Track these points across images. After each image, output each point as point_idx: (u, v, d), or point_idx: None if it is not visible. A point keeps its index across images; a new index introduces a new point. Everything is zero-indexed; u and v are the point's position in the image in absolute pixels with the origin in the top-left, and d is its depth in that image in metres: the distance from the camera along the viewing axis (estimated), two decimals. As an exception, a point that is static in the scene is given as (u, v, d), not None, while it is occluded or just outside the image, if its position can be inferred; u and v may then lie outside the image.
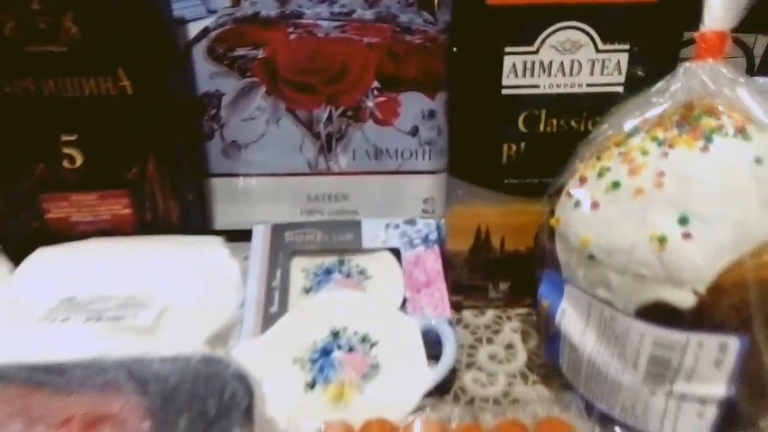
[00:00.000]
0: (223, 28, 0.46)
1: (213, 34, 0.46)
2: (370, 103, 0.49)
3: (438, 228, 0.43)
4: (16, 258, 0.41)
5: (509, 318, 0.41)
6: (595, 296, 0.28)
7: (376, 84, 0.48)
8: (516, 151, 0.37)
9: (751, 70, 1.06)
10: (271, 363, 0.32)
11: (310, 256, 0.41)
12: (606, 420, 0.30)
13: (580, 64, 0.35)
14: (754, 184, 0.25)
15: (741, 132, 0.26)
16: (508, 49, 0.34)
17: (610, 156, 0.29)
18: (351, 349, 0.33)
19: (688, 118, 0.27)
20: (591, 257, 0.28)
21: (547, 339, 0.33)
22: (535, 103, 0.36)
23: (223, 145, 0.49)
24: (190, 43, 0.46)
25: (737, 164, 0.25)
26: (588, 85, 0.35)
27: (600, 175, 0.29)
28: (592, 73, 0.35)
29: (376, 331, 0.34)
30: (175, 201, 0.43)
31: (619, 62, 0.34)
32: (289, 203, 0.51)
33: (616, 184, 0.28)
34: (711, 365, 0.26)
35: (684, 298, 0.26)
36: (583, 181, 0.29)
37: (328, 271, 0.40)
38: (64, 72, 0.37)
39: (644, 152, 0.27)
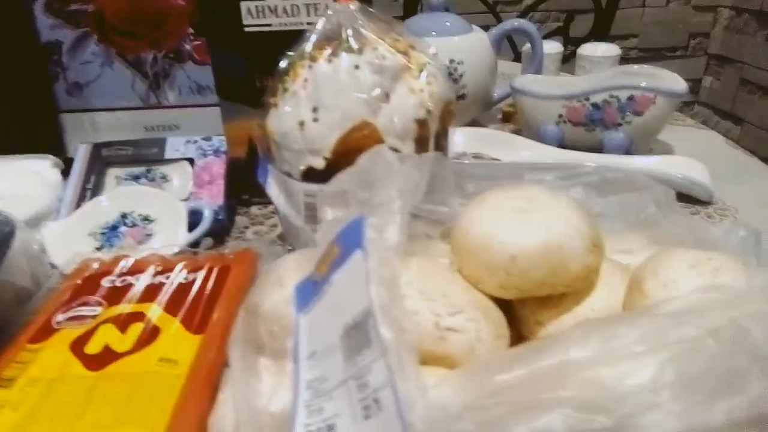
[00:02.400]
0: (56, -14, 0.56)
1: (48, -8, 0.57)
2: (188, 47, 0.59)
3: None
4: None
5: (284, 208, 0.53)
6: (280, 170, 0.41)
7: (191, 31, 0.59)
8: (266, 76, 0.49)
9: (599, 12, 1.19)
10: (72, 236, 0.44)
11: (124, 167, 0.53)
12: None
13: (298, 7, 0.46)
14: (352, 82, 0.37)
15: (357, 50, 0.38)
16: (242, -3, 0.46)
17: (288, 72, 0.41)
18: (134, 225, 0.46)
19: (329, 41, 0.40)
20: (275, 142, 0.40)
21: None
22: (271, 39, 0.47)
23: (67, 86, 0.60)
24: (32, 1, 0.56)
25: (344, 70, 0.38)
26: (308, 23, 0.47)
27: (281, 84, 0.41)
28: (308, 14, 0.47)
29: (155, 212, 0.46)
30: (18, 129, 0.54)
31: (327, 5, 0.46)
32: (130, 133, 0.62)
33: (285, 90, 0.40)
34: (341, 207, 0.39)
35: (318, 162, 0.38)
36: (273, 92, 0.41)
37: (137, 177, 0.52)
38: None
39: (302, 67, 0.40)
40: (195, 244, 0.45)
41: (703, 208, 0.49)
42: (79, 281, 0.36)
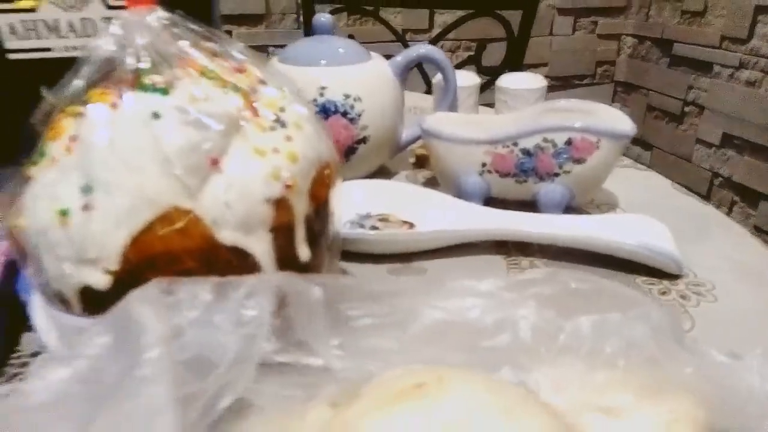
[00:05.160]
0: None
1: None
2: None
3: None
4: None
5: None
6: (44, 288, 0.25)
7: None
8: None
9: (512, 39, 1.12)
10: None
11: None
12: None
13: (91, 23, 0.30)
14: (151, 142, 0.22)
15: (161, 86, 0.23)
16: None
17: (53, 124, 0.25)
18: None
19: (119, 72, 0.24)
20: (30, 242, 0.24)
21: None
22: (54, 69, 0.31)
23: None
24: None
25: (137, 121, 0.22)
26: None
27: (38, 145, 0.25)
28: (110, 32, 0.31)
29: None
30: None
31: (140, 20, 0.31)
32: None
33: (42, 154, 0.24)
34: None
35: (98, 279, 0.22)
36: (30, 158, 0.25)
37: None
38: None
39: (73, 114, 0.24)
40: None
41: (672, 284, 0.38)
42: None
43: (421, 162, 0.61)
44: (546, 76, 2.10)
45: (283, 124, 0.25)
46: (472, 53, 1.52)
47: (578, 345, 0.21)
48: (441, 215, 0.44)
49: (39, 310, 0.25)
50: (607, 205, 0.49)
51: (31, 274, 0.25)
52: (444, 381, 0.14)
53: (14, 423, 0.12)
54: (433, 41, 1.22)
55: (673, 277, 0.38)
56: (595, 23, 1.90)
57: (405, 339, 0.21)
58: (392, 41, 1.30)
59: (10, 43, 0.30)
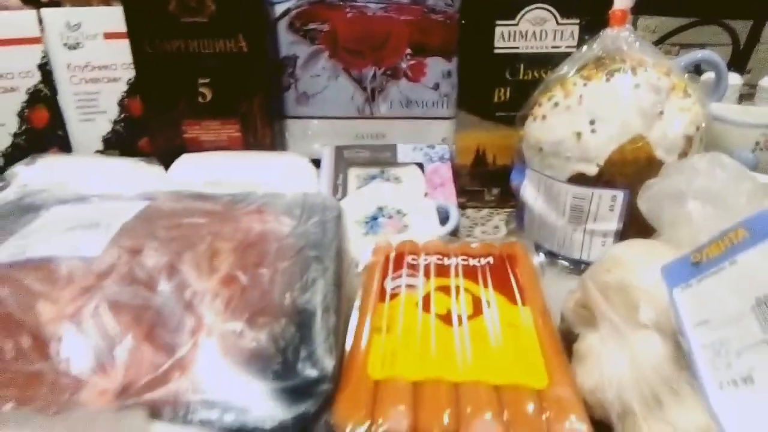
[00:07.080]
0: (300, 8, 0.65)
1: (293, 12, 0.65)
2: (404, 65, 0.67)
3: (450, 150, 0.61)
4: (164, 164, 0.60)
5: (498, 213, 0.59)
6: (542, 173, 0.46)
7: (408, 51, 0.66)
8: (504, 93, 0.55)
9: (737, 50, 1.20)
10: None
11: (361, 167, 0.60)
12: (550, 255, 0.48)
13: (546, 32, 0.52)
14: (633, 99, 0.42)
15: (632, 70, 0.43)
16: (498, 22, 0.52)
17: (555, 88, 0.46)
18: (390, 217, 0.52)
19: (602, 62, 0.45)
20: (540, 149, 0.46)
21: (517, 210, 0.51)
22: (516, 60, 0.53)
23: (297, 95, 0.68)
24: (277, 20, 0.65)
25: (624, 88, 0.43)
26: (552, 47, 0.52)
27: (548, 100, 0.46)
28: (554, 39, 0.52)
29: (406, 207, 0.52)
30: (269, 129, 0.62)
31: (572, 32, 0.52)
32: (343, 139, 0.69)
33: (556, 104, 0.45)
34: (607, 210, 0.44)
35: (591, 169, 0.43)
36: (539, 105, 0.47)
37: (373, 177, 0.59)
38: (204, 35, 0.56)
39: (574, 84, 0.45)
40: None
41: None
42: (386, 257, 0.42)
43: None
44: (747, 84, 2.04)
45: (688, 95, 0.44)
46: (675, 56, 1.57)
47: None
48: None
49: (530, 188, 0.47)
50: None
51: (528, 167, 0.47)
52: None
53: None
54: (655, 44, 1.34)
55: None
56: (812, 31, 1.84)
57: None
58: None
59: (498, 43, 0.53)
